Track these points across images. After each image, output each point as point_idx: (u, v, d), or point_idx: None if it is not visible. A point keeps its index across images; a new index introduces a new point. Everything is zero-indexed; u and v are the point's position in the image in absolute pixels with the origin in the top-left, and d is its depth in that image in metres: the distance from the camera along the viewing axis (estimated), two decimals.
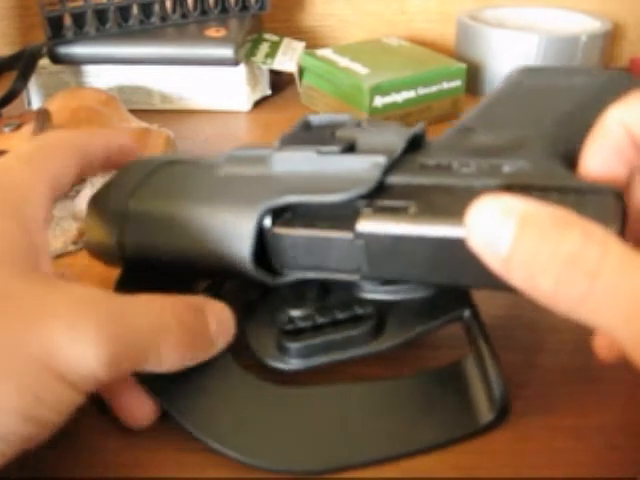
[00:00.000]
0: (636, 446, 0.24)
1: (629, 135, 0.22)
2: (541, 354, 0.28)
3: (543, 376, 0.27)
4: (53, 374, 0.19)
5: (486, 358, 0.24)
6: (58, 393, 0.19)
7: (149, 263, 0.27)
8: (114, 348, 0.20)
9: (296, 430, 0.24)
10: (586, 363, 0.27)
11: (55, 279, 0.22)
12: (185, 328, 0.22)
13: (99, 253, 0.29)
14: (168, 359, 0.22)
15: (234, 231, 0.25)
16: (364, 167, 0.25)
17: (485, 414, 0.24)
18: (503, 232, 0.18)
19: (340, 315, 0.25)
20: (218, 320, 0.24)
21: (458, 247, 0.21)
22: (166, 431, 0.24)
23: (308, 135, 0.29)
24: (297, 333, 0.25)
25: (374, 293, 0.26)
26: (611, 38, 0.63)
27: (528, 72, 0.32)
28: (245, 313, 0.27)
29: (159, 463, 0.23)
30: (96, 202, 0.29)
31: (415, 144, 0.27)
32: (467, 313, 0.25)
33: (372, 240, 0.23)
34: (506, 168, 0.24)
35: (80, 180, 0.29)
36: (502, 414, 0.24)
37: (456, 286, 0.25)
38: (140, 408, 0.24)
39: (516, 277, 0.18)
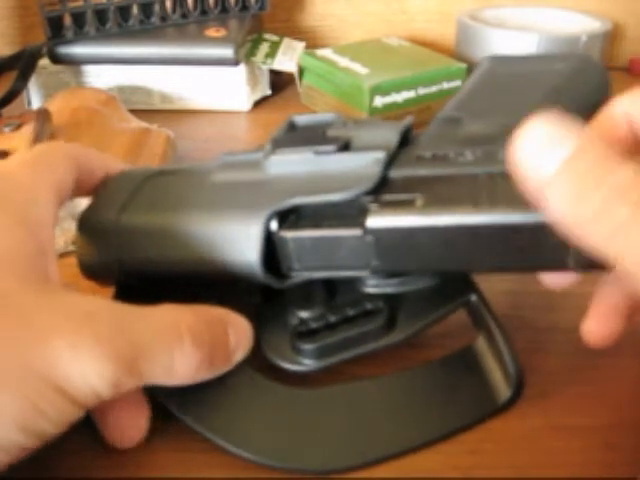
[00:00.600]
0: (636, 446, 0.24)
1: (629, 127, 0.22)
2: (541, 354, 0.28)
3: (543, 376, 0.27)
4: (54, 388, 0.19)
5: (497, 336, 0.25)
6: (58, 406, 0.19)
7: (149, 277, 0.27)
8: (117, 366, 0.19)
9: (314, 430, 0.24)
10: (586, 363, 0.27)
11: (61, 289, 0.22)
12: (200, 343, 0.22)
13: (95, 273, 0.28)
14: (180, 374, 0.21)
15: (240, 237, 0.24)
16: (364, 164, 0.25)
17: (503, 391, 0.25)
18: (555, 152, 0.18)
19: (351, 312, 0.26)
20: (238, 333, 0.23)
21: (469, 234, 0.22)
22: (167, 431, 0.24)
23: (298, 136, 0.28)
24: (311, 334, 0.25)
25: (379, 287, 0.26)
26: (611, 38, 0.63)
27: (498, 60, 0.33)
28: (252, 318, 0.27)
29: (160, 463, 0.23)
30: (86, 221, 0.28)
31: (405, 138, 0.27)
32: (474, 297, 0.26)
33: (382, 235, 0.23)
34: (501, 155, 0.24)
35: (78, 194, 0.28)
36: (518, 390, 0.25)
37: (468, 272, 0.26)
38: (130, 427, 0.24)
39: (555, 199, 0.18)
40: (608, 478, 0.23)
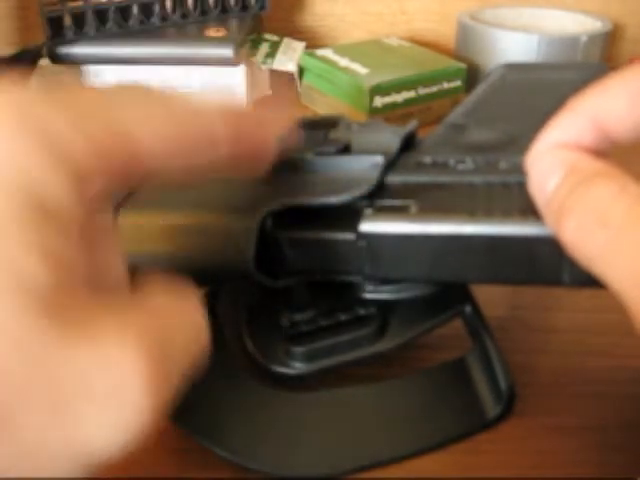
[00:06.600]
0: (636, 446, 0.24)
1: (594, 126, 0.20)
2: (541, 355, 0.28)
3: (543, 377, 0.27)
4: None
5: (490, 350, 0.25)
6: None
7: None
8: None
9: (301, 435, 0.24)
10: (586, 364, 0.27)
11: None
12: None
13: None
14: None
15: (235, 235, 0.25)
16: (363, 167, 0.25)
17: (492, 407, 0.24)
18: (552, 176, 0.19)
19: (343, 317, 0.25)
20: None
21: (461, 244, 0.22)
22: (166, 431, 0.24)
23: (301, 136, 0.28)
24: (301, 337, 0.25)
25: (375, 293, 0.26)
26: (611, 38, 0.62)
27: (510, 68, 0.33)
28: (246, 318, 0.27)
29: (159, 463, 0.23)
30: None
31: (408, 143, 0.27)
32: (468, 308, 0.25)
33: (375, 240, 0.23)
34: (502, 164, 0.24)
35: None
36: (509, 406, 0.24)
37: (459, 282, 0.25)
38: None
39: (548, 219, 0.19)
40: (608, 478, 0.23)
